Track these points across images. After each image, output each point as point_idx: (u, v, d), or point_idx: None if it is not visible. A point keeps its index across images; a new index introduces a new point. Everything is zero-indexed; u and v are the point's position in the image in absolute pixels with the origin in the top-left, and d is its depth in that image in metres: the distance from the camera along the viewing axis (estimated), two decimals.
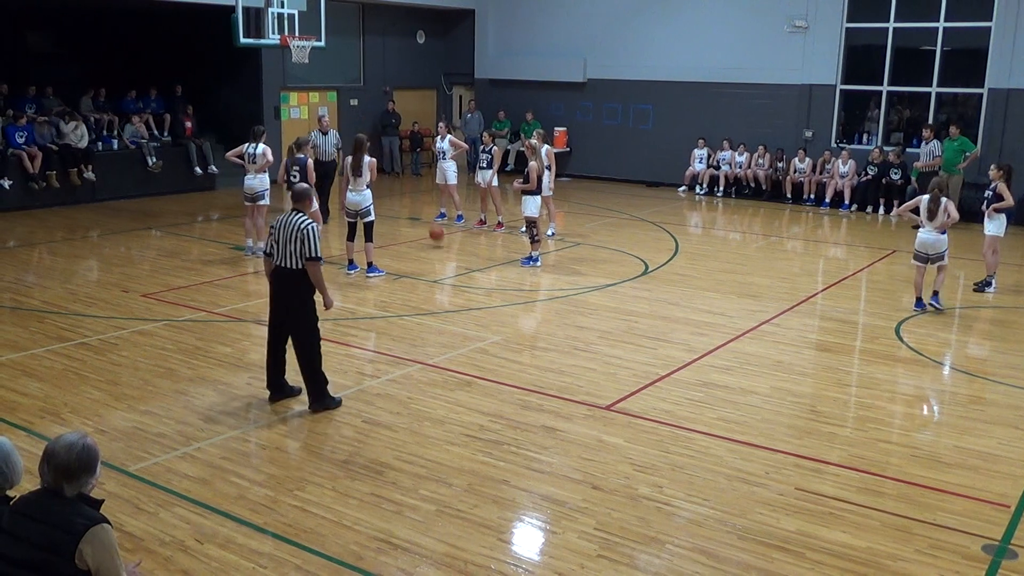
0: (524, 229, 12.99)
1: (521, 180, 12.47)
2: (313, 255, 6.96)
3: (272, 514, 5.58)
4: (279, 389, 7.34)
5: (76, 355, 8.44)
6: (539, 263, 12.48)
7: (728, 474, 6.20)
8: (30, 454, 6.07)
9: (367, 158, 11.51)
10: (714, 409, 7.38)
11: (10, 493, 3.80)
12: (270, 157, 12.55)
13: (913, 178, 17.08)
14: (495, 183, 15.19)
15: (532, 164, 12.33)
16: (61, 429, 6.71)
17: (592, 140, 21.74)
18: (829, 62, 18.59)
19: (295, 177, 11.95)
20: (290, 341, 7.24)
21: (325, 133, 15.91)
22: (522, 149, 13.55)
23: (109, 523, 3.53)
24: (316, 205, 11.92)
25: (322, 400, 7.19)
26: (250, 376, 7.92)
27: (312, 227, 7.00)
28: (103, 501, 3.69)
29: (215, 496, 5.76)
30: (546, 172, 13.90)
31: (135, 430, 6.77)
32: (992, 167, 11.54)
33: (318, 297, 7.15)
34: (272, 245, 7.12)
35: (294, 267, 6.98)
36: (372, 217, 11.67)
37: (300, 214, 7.11)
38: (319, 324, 7.24)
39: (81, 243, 13.84)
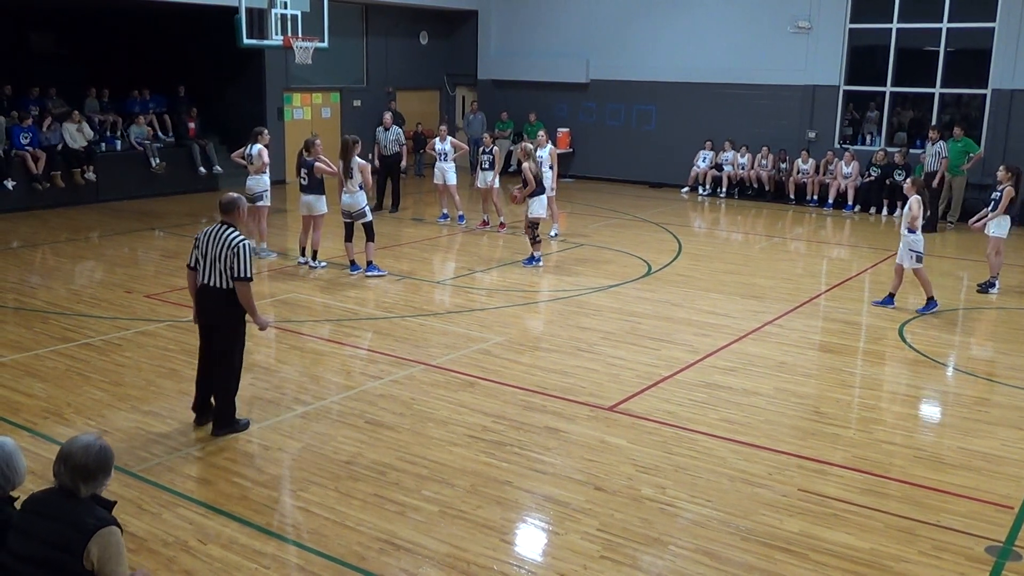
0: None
1: (519, 187, 12.43)
2: (244, 275, 6.37)
3: (275, 515, 5.59)
4: (206, 412, 6.82)
5: (80, 355, 8.45)
6: (541, 263, 12.48)
7: (731, 475, 6.19)
8: (34, 455, 6.09)
9: (357, 160, 11.47)
10: (717, 410, 7.38)
11: (13, 494, 3.80)
12: (266, 158, 12.53)
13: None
14: (497, 184, 15.21)
15: (526, 166, 12.33)
16: (64, 429, 6.72)
17: (595, 141, 21.74)
18: (832, 63, 18.57)
19: (304, 181, 11.93)
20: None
21: (387, 129, 16.34)
22: (515, 149, 13.51)
23: (119, 526, 3.55)
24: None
25: (229, 425, 6.70)
26: (252, 377, 7.92)
27: (245, 244, 6.41)
28: (115, 503, 3.70)
29: (218, 496, 5.77)
30: (549, 172, 13.93)
31: (138, 430, 6.78)
32: (1000, 168, 11.47)
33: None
34: (196, 258, 6.56)
35: (223, 286, 6.43)
36: (368, 218, 11.65)
37: (230, 227, 6.50)
38: (245, 346, 6.83)
39: (84, 244, 13.86)
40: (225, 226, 6.52)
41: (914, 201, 10.24)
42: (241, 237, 6.47)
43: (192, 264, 6.62)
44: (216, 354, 6.66)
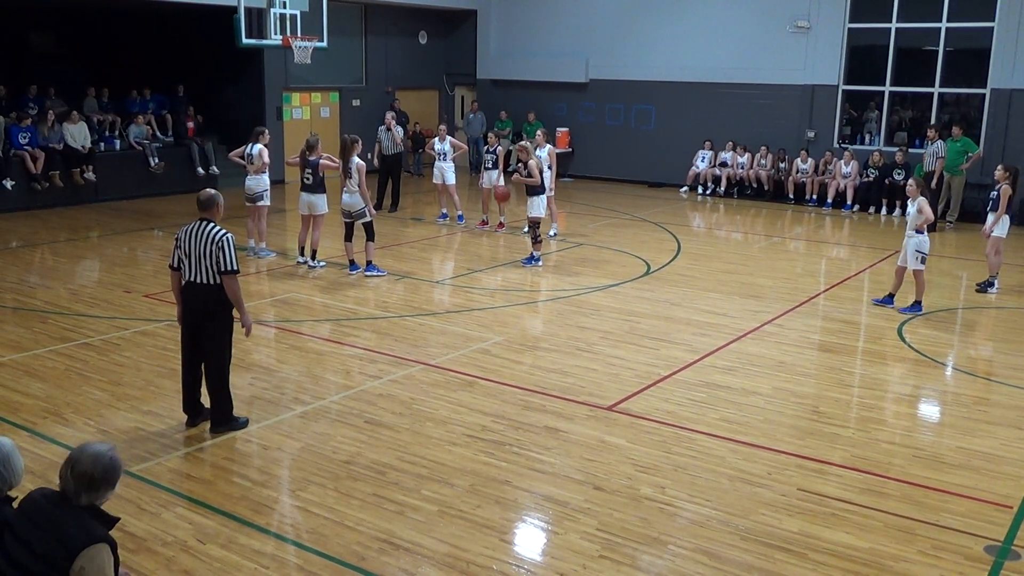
0: (526, 229, 13.00)
1: (522, 173, 12.44)
2: (230, 267, 6.40)
3: (274, 514, 5.59)
4: (198, 412, 6.84)
5: (79, 355, 8.45)
6: (540, 263, 12.48)
7: (730, 475, 6.20)
8: (33, 454, 6.10)
9: (356, 160, 11.47)
10: (716, 410, 7.38)
11: (12, 493, 3.80)
12: (266, 158, 12.50)
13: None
14: (501, 183, 15.22)
15: (532, 162, 12.35)
16: (63, 430, 6.73)
17: (594, 140, 21.74)
18: (831, 62, 18.57)
19: (308, 180, 11.93)
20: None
21: (389, 129, 16.35)
22: (514, 149, 13.56)
23: (112, 543, 3.49)
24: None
25: (227, 422, 6.74)
26: (252, 376, 7.93)
27: (228, 237, 6.42)
28: (117, 520, 3.65)
29: (217, 496, 5.77)
30: (548, 172, 13.94)
31: (137, 430, 6.78)
32: (998, 168, 11.48)
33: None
34: (178, 258, 6.55)
35: (209, 282, 6.45)
36: (368, 218, 11.65)
37: (210, 223, 6.51)
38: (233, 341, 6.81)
39: (83, 243, 13.85)
40: (205, 222, 6.53)
41: (923, 202, 10.15)
42: (223, 231, 6.48)
43: (175, 265, 6.61)
44: (206, 352, 6.66)
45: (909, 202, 10.39)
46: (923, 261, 10.26)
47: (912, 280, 10.45)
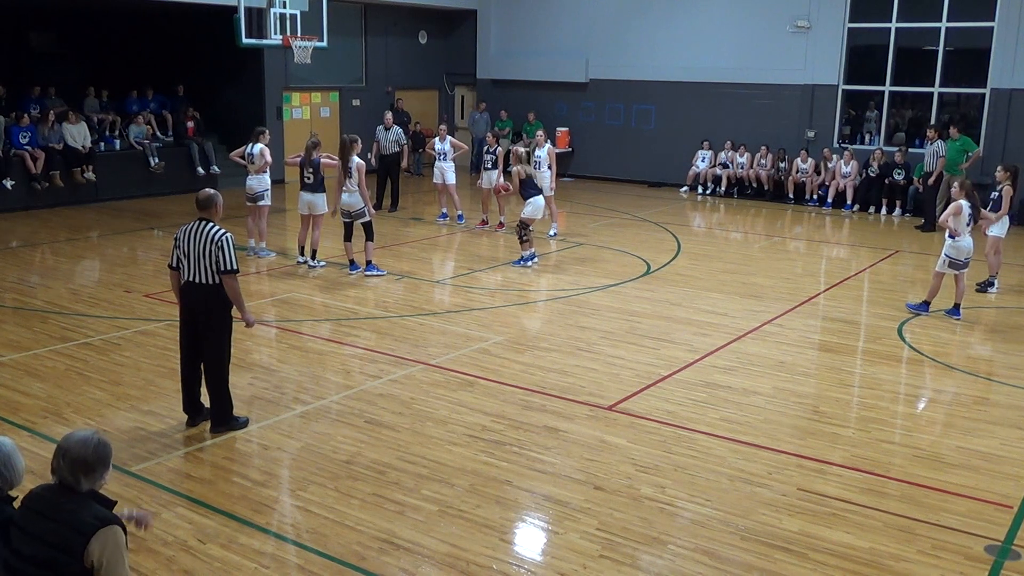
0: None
1: (507, 184, 12.51)
2: (230, 267, 6.42)
3: (274, 514, 5.59)
4: (198, 412, 6.85)
5: (79, 355, 8.45)
6: (536, 260, 12.44)
7: (730, 474, 6.20)
8: (33, 454, 6.09)
9: (355, 159, 11.47)
10: (716, 409, 7.38)
11: (12, 493, 3.80)
12: (268, 158, 12.50)
13: (916, 178, 17.07)
14: (501, 183, 15.20)
15: (515, 169, 12.33)
16: (64, 429, 6.72)
17: (594, 140, 21.74)
18: (831, 62, 18.57)
19: (309, 179, 11.94)
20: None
21: (388, 129, 16.36)
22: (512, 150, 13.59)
23: (122, 524, 3.54)
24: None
25: (227, 422, 6.75)
26: (252, 376, 7.94)
27: (227, 237, 6.42)
28: (116, 502, 3.68)
29: (217, 496, 5.77)
30: (548, 172, 13.94)
31: (137, 430, 6.78)
32: (999, 168, 11.46)
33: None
34: (177, 258, 6.56)
35: (208, 281, 6.46)
36: (367, 218, 11.64)
37: (209, 223, 6.51)
38: (232, 340, 6.83)
39: (84, 243, 13.86)
40: (204, 222, 6.53)
41: (951, 208, 10.05)
42: (223, 231, 6.48)
43: (174, 265, 6.63)
44: (206, 351, 6.67)
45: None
46: (951, 265, 10.11)
47: (949, 283, 10.30)
